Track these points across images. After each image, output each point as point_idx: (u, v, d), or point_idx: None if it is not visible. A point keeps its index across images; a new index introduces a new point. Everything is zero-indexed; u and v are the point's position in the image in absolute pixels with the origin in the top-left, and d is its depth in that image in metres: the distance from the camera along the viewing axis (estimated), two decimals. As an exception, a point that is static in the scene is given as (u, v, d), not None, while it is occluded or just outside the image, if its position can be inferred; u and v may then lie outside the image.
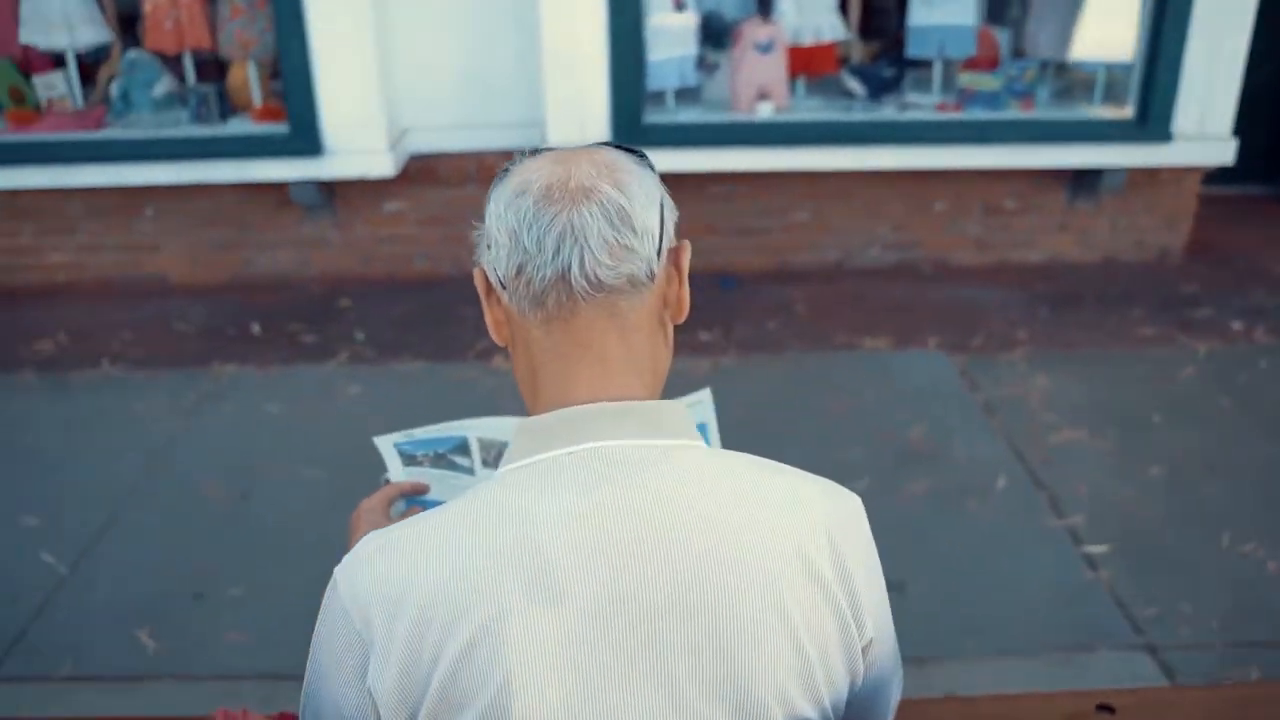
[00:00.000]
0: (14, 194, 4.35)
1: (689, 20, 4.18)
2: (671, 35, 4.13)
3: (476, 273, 0.94)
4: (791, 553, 0.83)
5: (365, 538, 0.87)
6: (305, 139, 3.96)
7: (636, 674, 0.81)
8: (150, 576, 2.62)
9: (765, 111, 4.20)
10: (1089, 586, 2.54)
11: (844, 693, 0.88)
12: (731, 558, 0.82)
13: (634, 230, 0.87)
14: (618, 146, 0.95)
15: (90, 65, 4.51)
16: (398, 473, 1.34)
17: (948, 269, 4.58)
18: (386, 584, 0.82)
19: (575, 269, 0.86)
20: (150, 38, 4.22)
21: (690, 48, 4.22)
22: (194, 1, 4.13)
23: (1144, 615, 2.44)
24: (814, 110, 4.30)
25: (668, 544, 0.82)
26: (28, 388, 3.65)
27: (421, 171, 4.26)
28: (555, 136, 3.95)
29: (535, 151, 0.93)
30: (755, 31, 4.17)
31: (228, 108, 4.29)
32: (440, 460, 1.37)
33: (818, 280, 4.44)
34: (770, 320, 4.05)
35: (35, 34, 4.24)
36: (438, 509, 0.87)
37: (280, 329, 4.03)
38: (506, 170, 0.92)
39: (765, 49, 4.20)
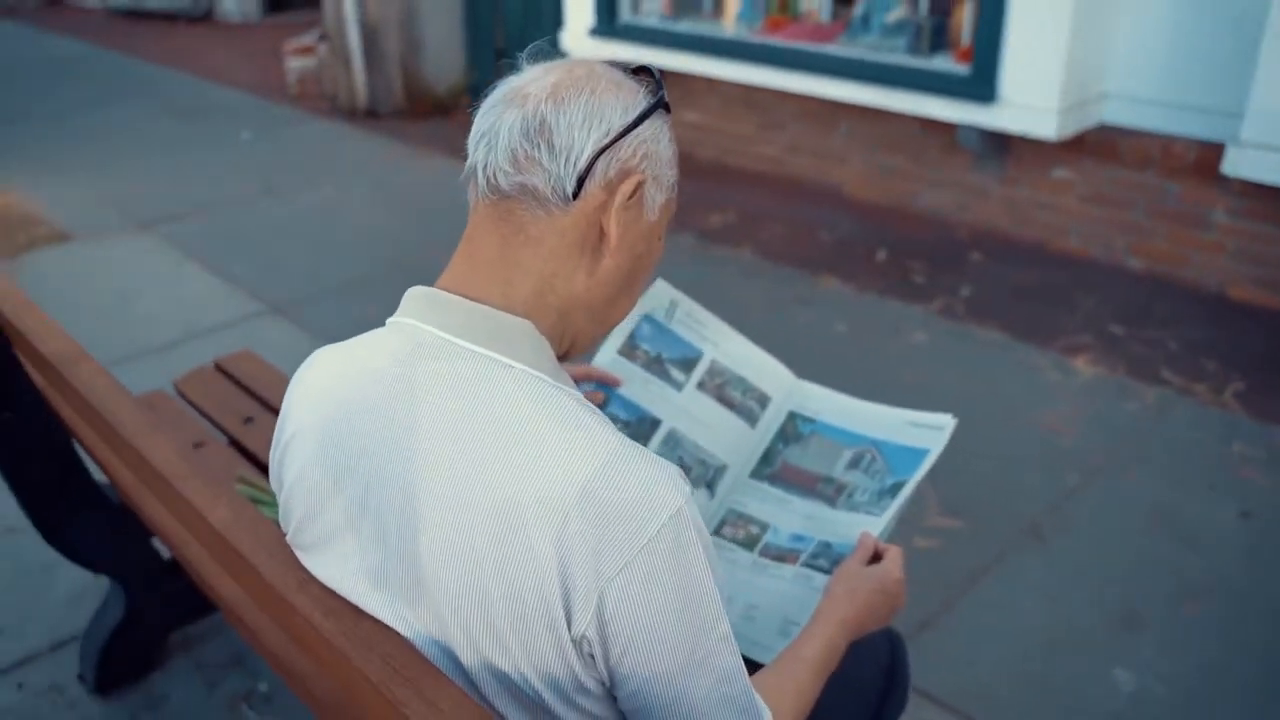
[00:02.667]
0: (750, 89, 5.00)
1: None
2: None
3: None
4: (501, 501, 0.80)
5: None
6: (981, 84, 3.87)
7: (360, 526, 0.88)
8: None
9: None
10: None
11: (560, 676, 0.82)
12: (436, 473, 0.83)
13: (549, 145, 0.87)
14: (636, 70, 0.94)
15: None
16: (609, 354, 1.41)
17: None
18: (293, 381, 0.99)
19: (480, 170, 0.89)
20: (899, -35, 4.44)
21: None
22: (942, -66, 4.23)
23: None
24: None
25: (402, 435, 0.85)
26: (681, 248, 4.30)
27: (1100, 144, 3.89)
28: (1251, 133, 3.30)
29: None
30: None
31: (943, 42, 4.36)
32: (655, 364, 1.41)
33: None
34: None
35: (805, -49, 4.74)
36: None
37: (900, 262, 4.11)
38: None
39: None
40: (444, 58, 6.53)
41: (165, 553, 2.08)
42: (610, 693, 0.85)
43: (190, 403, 2.19)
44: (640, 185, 0.92)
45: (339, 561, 0.91)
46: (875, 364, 3.35)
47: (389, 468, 0.86)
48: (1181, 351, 3.36)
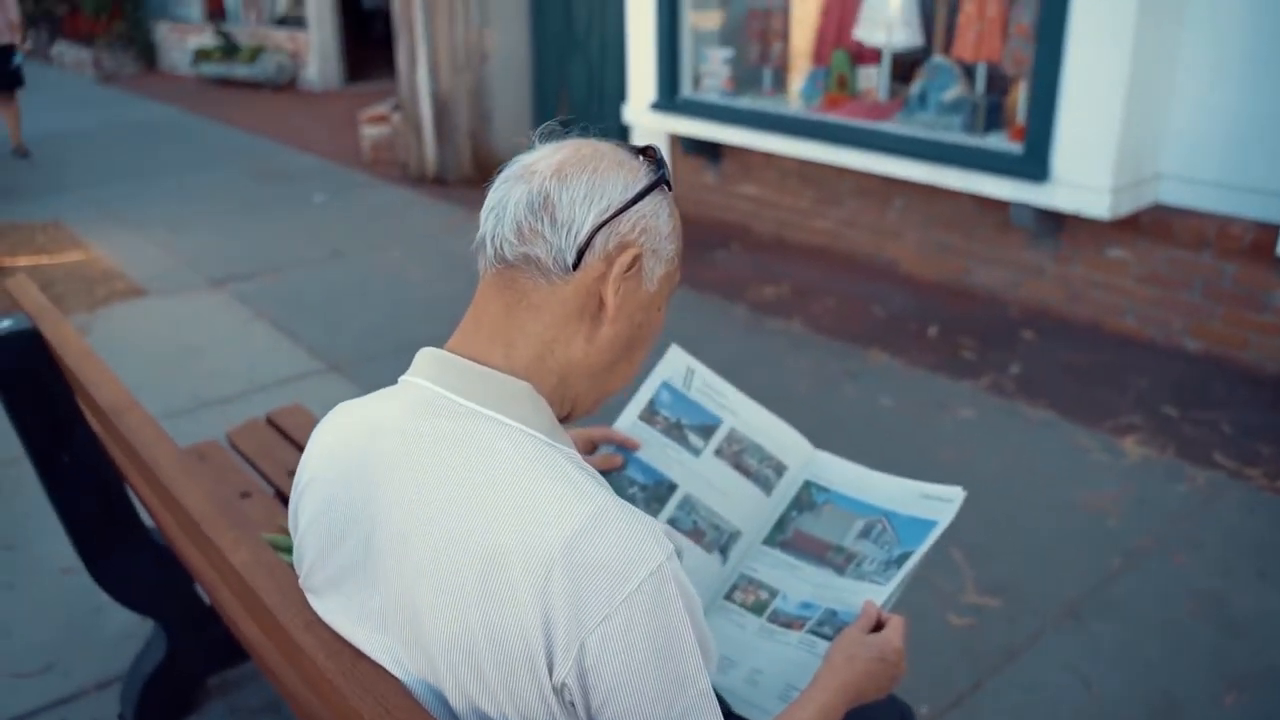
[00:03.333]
0: (807, 164, 5.08)
1: None
2: None
3: None
4: (488, 551, 0.84)
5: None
6: (1033, 162, 3.90)
7: (363, 570, 0.93)
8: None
9: None
10: None
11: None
12: (436, 522, 0.87)
13: (552, 219, 0.93)
14: (641, 150, 1.00)
15: (903, 64, 4.98)
16: (630, 419, 1.45)
17: None
18: (314, 432, 1.05)
19: (488, 240, 0.96)
20: (955, 46, 4.51)
21: None
22: (998, 15, 4.29)
23: None
24: None
25: (403, 485, 0.90)
26: (733, 319, 4.35)
27: (1155, 223, 3.88)
28: (1305, 217, 3.27)
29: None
30: None
31: (998, 120, 4.39)
32: (674, 430, 1.45)
33: None
34: None
35: (865, 31, 4.84)
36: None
37: (951, 338, 4.11)
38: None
39: None
40: (511, 129, 6.74)
41: (205, 598, 2.16)
42: None
43: (240, 453, 2.27)
44: (638, 258, 0.97)
45: (345, 604, 0.96)
46: (920, 439, 3.34)
47: (390, 516, 0.91)
48: (1236, 435, 3.30)
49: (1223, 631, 2.41)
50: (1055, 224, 4.17)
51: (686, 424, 1.46)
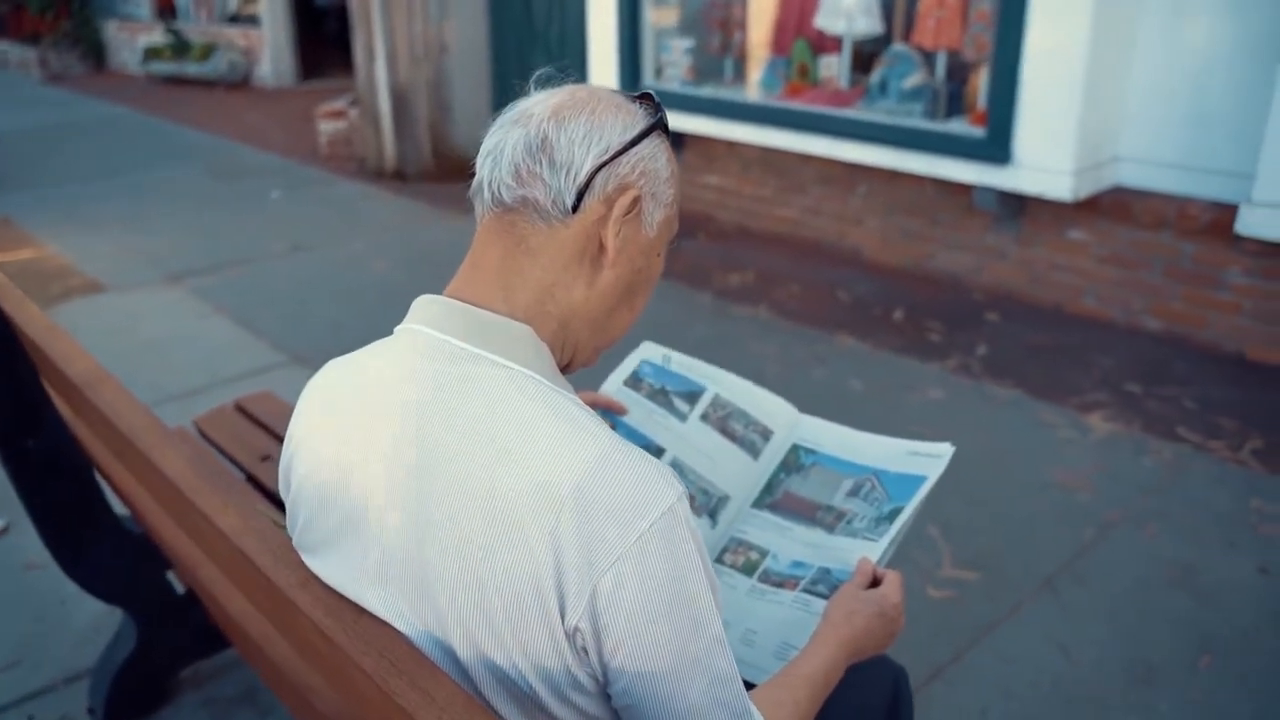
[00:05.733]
0: (770, 152, 5.09)
1: None
2: None
3: None
4: (498, 495, 0.82)
5: None
6: (996, 146, 3.93)
7: (364, 523, 0.90)
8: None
9: None
10: None
11: (554, 670, 0.83)
12: (434, 470, 0.85)
13: (550, 160, 0.92)
14: (638, 96, 0.98)
15: (863, 53, 5.01)
16: (615, 384, 1.44)
17: None
18: (306, 389, 1.03)
19: (485, 185, 0.94)
20: (915, 33, 4.54)
21: None
22: (957, 3, 4.32)
23: None
24: None
25: (404, 433, 0.88)
26: (699, 306, 4.34)
27: (1115, 205, 3.93)
28: (1263, 193, 3.33)
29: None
30: None
31: (959, 107, 4.43)
32: (659, 395, 1.44)
33: None
34: None
35: (825, 20, 4.86)
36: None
37: (918, 322, 4.13)
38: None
39: None
40: (471, 122, 6.69)
41: (179, 588, 2.11)
42: (604, 690, 0.86)
43: (209, 440, 2.23)
44: (637, 200, 0.95)
45: (343, 560, 0.93)
46: (891, 419, 3.35)
47: (391, 467, 0.88)
48: (1199, 410, 3.35)
49: (1195, 599, 2.44)
50: (1017, 207, 4.22)
51: (671, 390, 1.46)
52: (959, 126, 4.24)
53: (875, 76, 4.76)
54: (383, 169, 6.72)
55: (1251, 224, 3.40)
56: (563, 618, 0.82)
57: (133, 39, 11.84)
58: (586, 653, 0.83)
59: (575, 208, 0.92)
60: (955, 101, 4.42)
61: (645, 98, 1.00)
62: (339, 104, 7.37)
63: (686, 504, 0.85)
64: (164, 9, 11.88)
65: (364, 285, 4.70)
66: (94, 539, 1.95)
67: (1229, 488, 2.91)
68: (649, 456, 0.86)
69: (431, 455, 0.86)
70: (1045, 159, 3.81)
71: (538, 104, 0.96)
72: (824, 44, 5.02)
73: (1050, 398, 3.46)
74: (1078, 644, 2.30)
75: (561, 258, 0.94)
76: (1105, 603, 2.43)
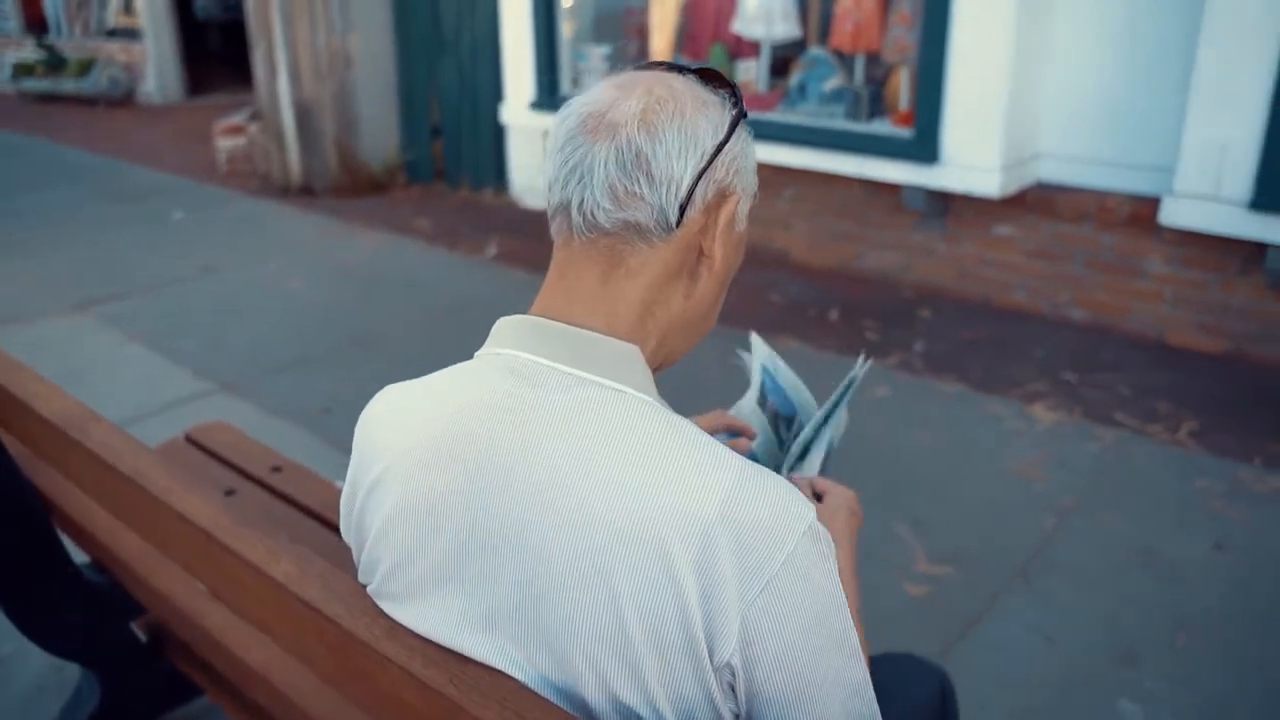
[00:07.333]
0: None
1: None
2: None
3: None
4: (638, 527, 0.76)
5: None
6: (924, 145, 4.01)
7: (464, 566, 0.83)
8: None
9: None
10: None
11: (698, 709, 0.78)
12: (561, 504, 0.78)
13: (649, 177, 0.84)
14: (706, 75, 0.91)
15: (778, 58, 5.05)
16: (751, 402, 1.38)
17: None
18: (364, 422, 0.94)
19: (575, 207, 0.86)
20: (833, 37, 4.60)
21: None
22: (875, 5, 4.40)
23: None
24: None
25: (513, 465, 0.82)
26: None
27: (1040, 201, 4.05)
28: (1184, 185, 3.47)
29: (635, 66, 0.93)
30: None
31: (879, 109, 4.51)
32: (776, 421, 1.41)
33: None
34: None
35: (743, 25, 4.89)
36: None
37: (854, 321, 4.18)
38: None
39: None
40: (379, 135, 6.53)
41: (141, 636, 1.97)
42: None
43: (166, 477, 2.09)
44: (738, 204, 0.91)
45: (438, 608, 0.85)
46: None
47: (499, 501, 0.82)
48: (1133, 395, 3.47)
49: (1158, 579, 2.51)
50: (943, 205, 4.30)
51: (781, 415, 1.43)
52: (885, 127, 4.31)
53: (794, 80, 4.81)
54: (288, 185, 6.50)
55: (1174, 214, 3.53)
56: (711, 654, 0.77)
57: (0, 54, 11.24)
58: (732, 688, 0.79)
59: (678, 223, 0.87)
60: (876, 103, 4.49)
61: (717, 79, 0.93)
62: (237, 119, 7.10)
63: (817, 518, 0.81)
64: (33, 22, 11.30)
65: (285, 305, 4.53)
66: (49, 590, 1.80)
67: (1173, 469, 3.01)
68: (778, 475, 0.82)
69: (552, 490, 0.80)
70: (973, 157, 3.89)
71: (615, 108, 0.87)
72: (741, 49, 5.06)
73: (993, 390, 3.53)
74: (1059, 630, 2.33)
75: (663, 275, 0.89)
76: (1077, 588, 2.48)
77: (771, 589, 0.77)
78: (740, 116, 0.91)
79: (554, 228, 0.90)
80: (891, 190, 4.38)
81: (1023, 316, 4.19)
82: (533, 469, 0.81)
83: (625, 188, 0.85)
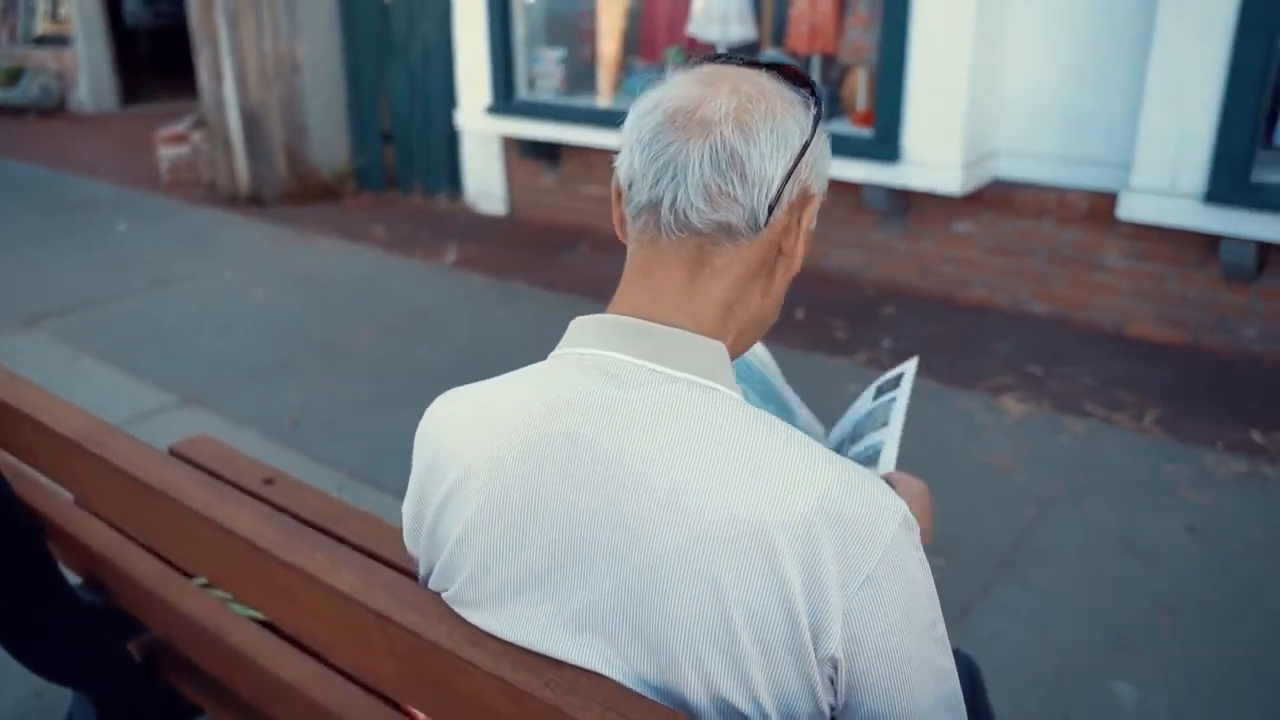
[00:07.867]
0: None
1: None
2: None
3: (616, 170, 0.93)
4: (742, 523, 0.76)
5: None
6: (885, 144, 4.06)
7: (555, 570, 0.82)
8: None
9: None
10: None
11: (800, 703, 0.78)
12: (662, 501, 0.78)
13: (743, 177, 0.84)
14: (785, 71, 0.90)
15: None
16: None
17: None
18: (427, 428, 0.92)
19: (666, 205, 0.85)
20: (789, 39, 4.64)
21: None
22: (830, 7, 4.45)
23: None
24: None
25: (609, 463, 0.81)
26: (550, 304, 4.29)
27: (998, 198, 4.13)
28: (1141, 180, 3.56)
29: (708, 59, 0.91)
30: None
31: (836, 109, 4.56)
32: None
33: None
34: None
35: (699, 27, 4.91)
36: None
37: (820, 319, 4.22)
38: (663, 77, 0.91)
39: None
40: (329, 141, 6.43)
41: (136, 657, 1.91)
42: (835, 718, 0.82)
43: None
44: (818, 203, 0.92)
45: (525, 613, 0.84)
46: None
47: (594, 500, 0.81)
48: (1098, 385, 3.55)
49: (1140, 563, 2.58)
50: (904, 204, 4.36)
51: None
52: (845, 127, 4.36)
53: (751, 82, 4.84)
54: (236, 193, 6.37)
55: (1131, 209, 3.62)
56: (816, 648, 0.77)
57: (-79, 65, 10.84)
58: (832, 682, 0.79)
59: (765, 223, 0.87)
60: (833, 104, 4.54)
61: (796, 76, 0.92)
62: (179, 127, 6.95)
63: (909, 510, 0.82)
64: (-44, 32, 10.93)
65: (248, 315, 4.44)
66: (50, 614, 1.74)
67: (1143, 456, 3.09)
68: (866, 469, 0.82)
69: (644, 488, 0.79)
70: (934, 155, 3.95)
71: (707, 105, 0.85)
72: (696, 51, 5.07)
73: (962, 384, 3.59)
74: (1050, 619, 2.38)
75: (745, 275, 0.89)
76: (1063, 576, 2.53)
77: (872, 581, 0.77)
78: (820, 115, 0.91)
79: (637, 226, 0.89)
80: (852, 190, 4.42)
81: (984, 312, 4.27)
82: (628, 467, 0.80)
83: (719, 187, 0.84)
